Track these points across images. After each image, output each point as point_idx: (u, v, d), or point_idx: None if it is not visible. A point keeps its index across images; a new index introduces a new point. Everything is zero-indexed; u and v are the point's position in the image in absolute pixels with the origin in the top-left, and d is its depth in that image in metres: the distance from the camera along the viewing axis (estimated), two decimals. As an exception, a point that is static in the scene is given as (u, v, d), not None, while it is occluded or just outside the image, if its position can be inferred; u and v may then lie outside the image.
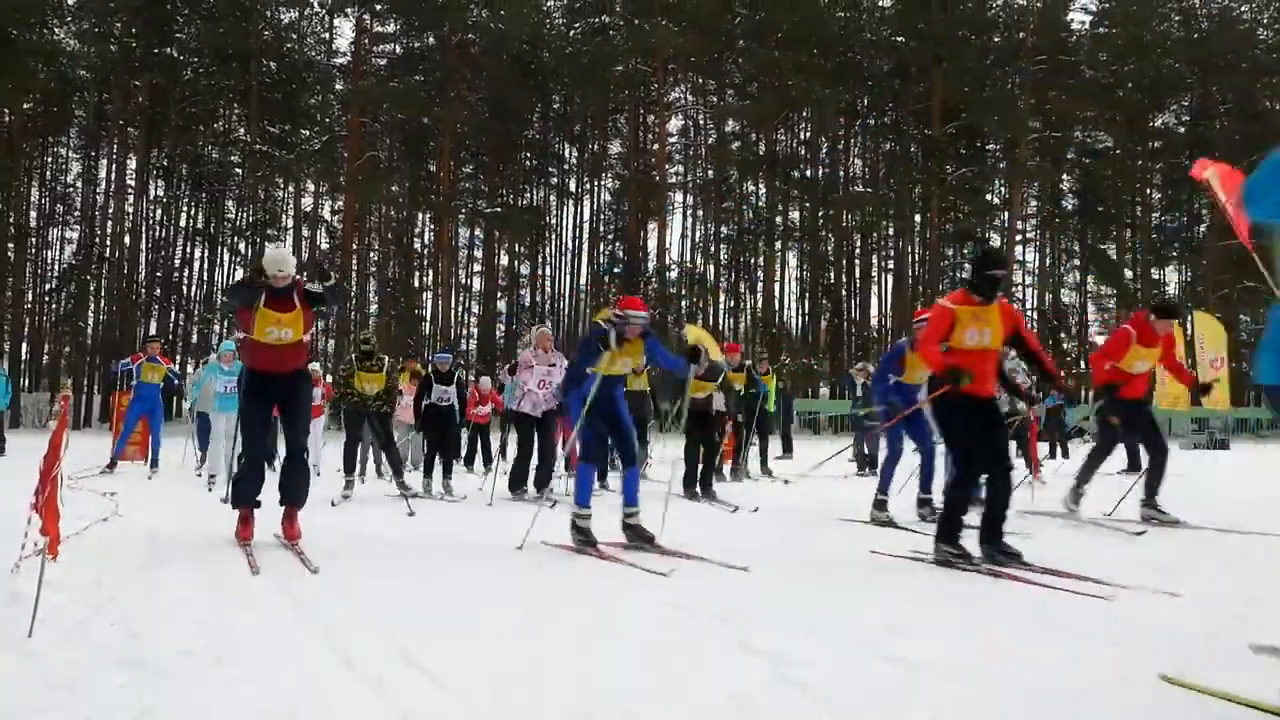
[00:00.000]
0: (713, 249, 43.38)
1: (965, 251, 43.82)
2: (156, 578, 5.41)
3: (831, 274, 42.87)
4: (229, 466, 11.47)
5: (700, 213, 43.91)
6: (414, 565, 6.04)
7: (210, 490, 10.92)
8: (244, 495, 6.73)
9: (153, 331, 38.66)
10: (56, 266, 40.47)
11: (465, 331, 41.71)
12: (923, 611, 4.66)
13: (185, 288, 41.10)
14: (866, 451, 15.03)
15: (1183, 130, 43.24)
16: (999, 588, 5.33)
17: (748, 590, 5.11)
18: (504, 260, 43.23)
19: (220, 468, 11.34)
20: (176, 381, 14.81)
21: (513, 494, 10.64)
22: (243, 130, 40.63)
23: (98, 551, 6.05)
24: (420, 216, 42.66)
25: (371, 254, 41.42)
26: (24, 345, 37.91)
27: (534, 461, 10.80)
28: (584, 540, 6.62)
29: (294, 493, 6.85)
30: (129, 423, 13.95)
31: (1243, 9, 42.65)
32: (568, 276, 44.18)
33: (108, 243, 38.60)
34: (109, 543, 6.55)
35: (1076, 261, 44.38)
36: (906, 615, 4.50)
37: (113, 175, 39.04)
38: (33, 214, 39.97)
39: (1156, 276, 44.22)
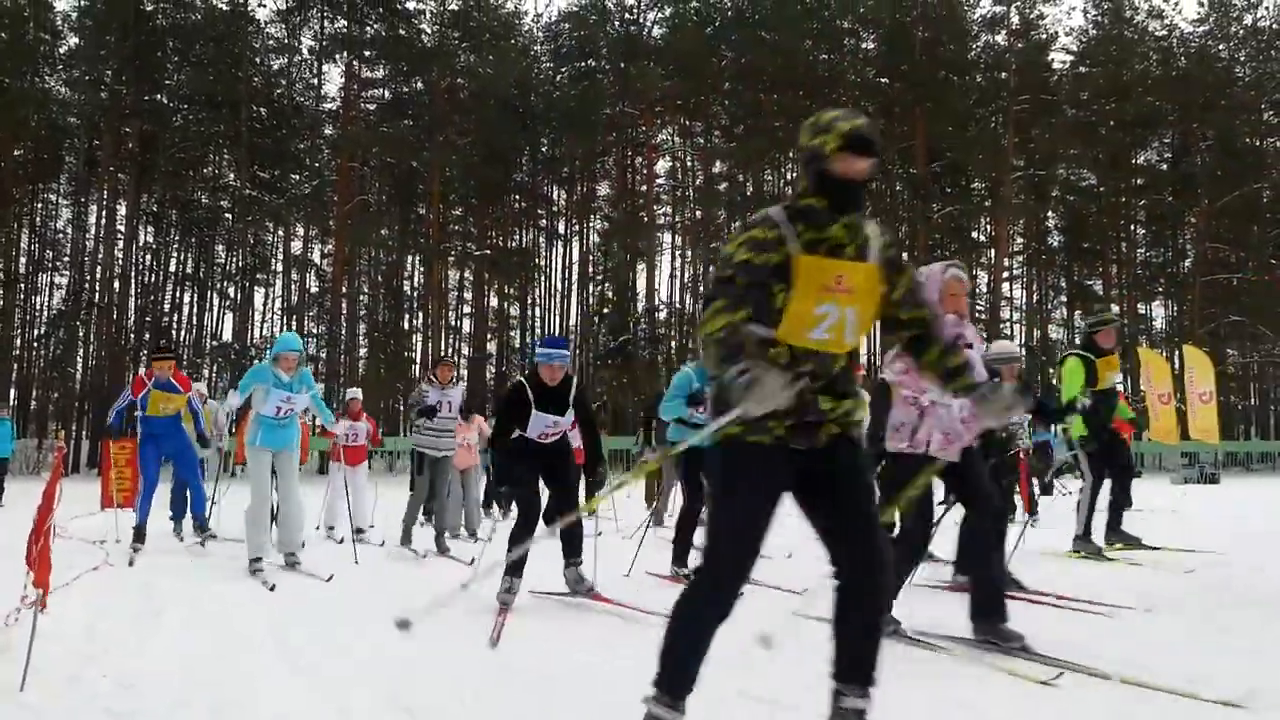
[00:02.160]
0: (702, 289, 43.48)
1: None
2: (150, 627, 5.39)
3: (820, 312, 42.93)
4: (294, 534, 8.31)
5: (689, 253, 44.09)
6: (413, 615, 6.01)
7: (256, 575, 7.65)
8: None
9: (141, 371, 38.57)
10: (45, 312, 40.42)
11: (454, 374, 41.59)
12: (923, 652, 4.66)
13: (175, 333, 41.02)
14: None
15: (1165, 167, 43.68)
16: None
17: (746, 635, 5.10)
18: (494, 302, 43.30)
19: (264, 543, 8.11)
20: (196, 413, 10.29)
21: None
22: (232, 175, 40.74)
23: (90, 601, 6.02)
24: (410, 259, 42.77)
25: (361, 297, 41.45)
26: (12, 391, 37.73)
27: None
28: None
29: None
30: (149, 474, 9.58)
31: (1220, 48, 43.27)
32: (557, 318, 44.25)
33: (97, 288, 38.57)
34: (101, 592, 6.52)
35: (1063, 297, 44.65)
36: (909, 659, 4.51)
37: (102, 221, 39.08)
38: (22, 260, 39.97)
39: (1143, 311, 44.49)
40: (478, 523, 11.47)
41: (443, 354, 10.07)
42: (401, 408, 39.37)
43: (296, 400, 8.19)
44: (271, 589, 6.94)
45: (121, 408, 9.94)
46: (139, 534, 9.27)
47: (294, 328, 40.15)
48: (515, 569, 6.09)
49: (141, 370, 9.78)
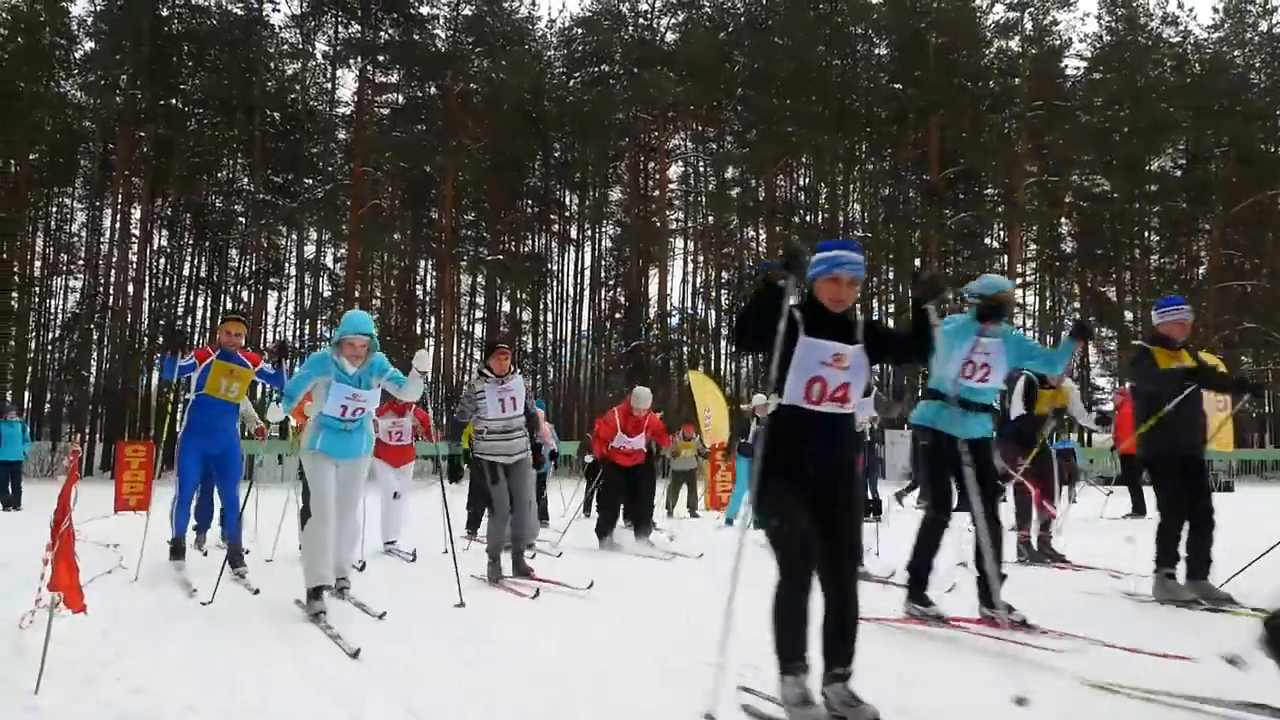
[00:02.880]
0: (714, 294, 43.51)
1: (965, 295, 43.94)
2: (163, 632, 5.39)
3: (832, 318, 42.90)
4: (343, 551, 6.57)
5: (701, 258, 44.11)
6: (428, 622, 6.00)
7: (318, 619, 5.73)
8: None
9: (156, 380, 38.66)
10: (60, 315, 40.65)
11: (467, 379, 41.82)
12: (928, 661, 4.63)
13: (189, 336, 41.20)
14: (870, 497, 14.98)
15: (1179, 174, 43.49)
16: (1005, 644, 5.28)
17: (754, 640, 5.08)
18: (506, 307, 43.41)
19: (327, 571, 6.10)
20: (275, 382, 8.01)
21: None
22: (246, 179, 40.96)
23: (104, 605, 6.01)
24: (422, 264, 42.88)
25: (374, 301, 41.54)
26: (26, 393, 37.95)
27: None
28: None
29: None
30: (188, 477, 7.62)
31: (1235, 54, 43.09)
32: (569, 322, 44.33)
33: (111, 291, 38.77)
34: (114, 596, 6.52)
35: (1076, 304, 44.47)
36: (914, 666, 4.48)
37: (117, 224, 39.29)
38: (37, 263, 40.23)
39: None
40: (535, 533, 9.36)
41: (497, 342, 8.18)
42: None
43: (367, 399, 6.29)
44: (336, 638, 5.17)
45: (185, 367, 7.63)
46: (178, 549, 7.70)
47: (306, 332, 40.23)
48: (791, 648, 3.60)
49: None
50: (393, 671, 4.45)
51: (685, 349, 41.63)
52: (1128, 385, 8.08)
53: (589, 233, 44.96)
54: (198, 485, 7.69)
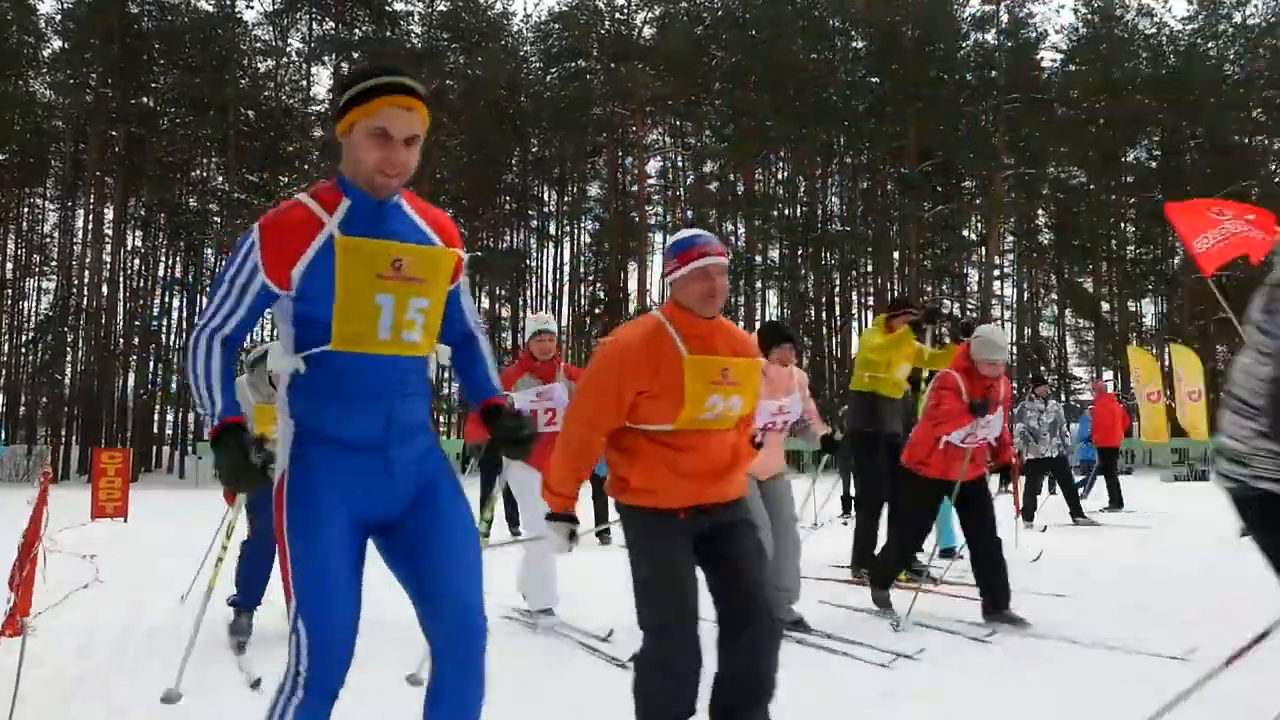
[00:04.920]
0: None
1: (944, 287, 44.18)
2: (140, 649, 5.27)
3: (812, 311, 43.05)
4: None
5: (680, 253, 44.05)
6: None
7: None
8: None
9: (133, 382, 38.27)
10: (33, 318, 40.23)
11: (447, 375, 41.62)
12: (918, 672, 4.59)
13: (164, 337, 40.85)
14: (851, 494, 14.95)
15: (1154, 165, 43.81)
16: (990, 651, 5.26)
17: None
18: (485, 303, 43.23)
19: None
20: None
21: None
22: (220, 178, 40.62)
23: (79, 622, 5.90)
24: (400, 261, 42.67)
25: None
26: (0, 397, 37.62)
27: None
28: None
29: None
30: (324, 611, 2.33)
31: (1210, 46, 43.39)
32: (549, 318, 44.18)
33: (85, 293, 38.38)
34: (91, 612, 6.38)
35: (1054, 295, 44.74)
36: (896, 679, 4.44)
37: (89, 225, 38.88)
38: (9, 265, 39.79)
39: (1133, 309, 44.65)
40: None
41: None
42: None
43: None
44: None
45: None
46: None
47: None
48: None
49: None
50: (380, 698, 4.33)
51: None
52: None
53: (568, 228, 44.90)
54: (352, 640, 2.49)
